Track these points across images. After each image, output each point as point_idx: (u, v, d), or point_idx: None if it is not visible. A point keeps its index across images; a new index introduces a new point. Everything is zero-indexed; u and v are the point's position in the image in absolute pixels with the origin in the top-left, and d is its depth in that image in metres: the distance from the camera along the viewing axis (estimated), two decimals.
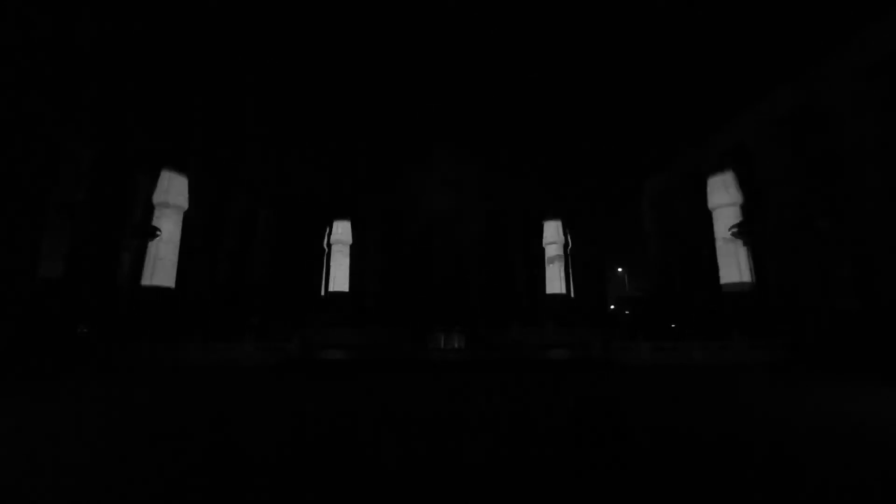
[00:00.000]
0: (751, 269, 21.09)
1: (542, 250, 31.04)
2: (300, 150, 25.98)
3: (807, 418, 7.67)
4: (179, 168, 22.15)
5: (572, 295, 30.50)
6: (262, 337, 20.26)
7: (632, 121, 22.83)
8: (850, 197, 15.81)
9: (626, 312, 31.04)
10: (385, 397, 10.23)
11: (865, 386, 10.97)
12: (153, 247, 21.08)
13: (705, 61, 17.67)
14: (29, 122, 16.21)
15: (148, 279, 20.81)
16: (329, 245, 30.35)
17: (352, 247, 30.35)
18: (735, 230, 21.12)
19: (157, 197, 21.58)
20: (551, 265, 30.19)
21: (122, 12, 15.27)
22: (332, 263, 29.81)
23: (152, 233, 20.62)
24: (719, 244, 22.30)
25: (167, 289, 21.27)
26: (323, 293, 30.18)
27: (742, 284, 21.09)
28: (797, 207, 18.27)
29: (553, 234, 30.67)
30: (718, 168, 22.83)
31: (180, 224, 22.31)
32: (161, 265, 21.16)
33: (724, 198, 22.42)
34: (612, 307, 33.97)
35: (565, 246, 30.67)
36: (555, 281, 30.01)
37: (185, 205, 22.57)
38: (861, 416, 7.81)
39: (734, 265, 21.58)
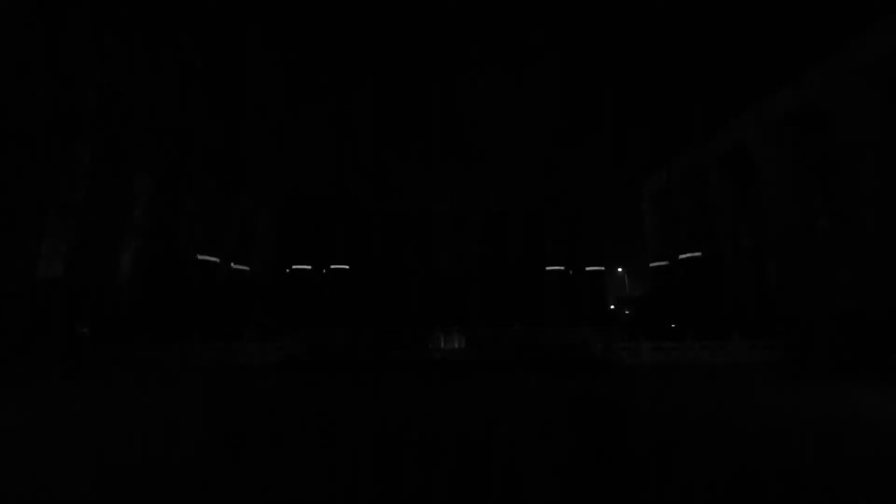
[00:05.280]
0: (751, 270, 21.07)
1: (542, 250, 31.02)
2: (302, 149, 25.93)
3: (813, 426, 7.66)
4: None
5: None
6: (262, 336, 20.18)
7: (632, 120, 22.81)
8: (850, 197, 15.80)
9: (626, 312, 31.00)
10: (387, 399, 10.21)
11: (862, 385, 10.97)
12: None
13: (706, 61, 17.65)
14: (29, 122, 16.15)
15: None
16: (329, 245, 30.33)
17: (353, 247, 30.32)
18: (735, 230, 21.08)
19: None
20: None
21: (122, 11, 15.24)
22: (332, 263, 29.78)
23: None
24: (719, 244, 22.27)
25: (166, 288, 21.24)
26: (324, 293, 30.13)
27: (742, 284, 21.06)
28: (797, 208, 18.25)
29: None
30: (718, 168, 22.80)
31: None
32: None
33: (723, 198, 22.37)
34: (612, 307, 33.92)
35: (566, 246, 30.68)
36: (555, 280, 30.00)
37: None
38: (852, 411, 7.81)
39: (734, 265, 21.55)
